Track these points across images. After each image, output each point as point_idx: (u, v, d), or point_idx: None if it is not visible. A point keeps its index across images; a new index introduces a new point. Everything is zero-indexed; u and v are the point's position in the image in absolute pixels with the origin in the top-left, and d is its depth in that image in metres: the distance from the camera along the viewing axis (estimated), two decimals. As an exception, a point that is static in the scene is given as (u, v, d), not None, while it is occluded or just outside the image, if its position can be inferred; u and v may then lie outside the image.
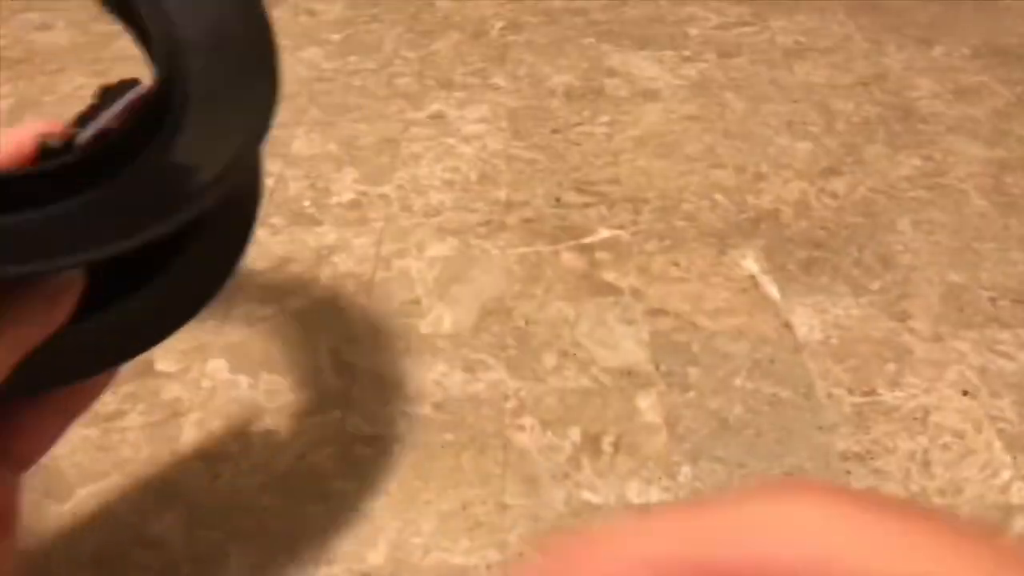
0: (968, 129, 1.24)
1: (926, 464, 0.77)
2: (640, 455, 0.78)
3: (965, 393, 0.84)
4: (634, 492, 0.75)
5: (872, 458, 0.78)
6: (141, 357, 0.88)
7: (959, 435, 0.80)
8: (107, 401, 0.84)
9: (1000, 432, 0.80)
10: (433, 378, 0.87)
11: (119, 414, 0.83)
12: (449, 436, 0.80)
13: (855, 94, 1.32)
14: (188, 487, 0.76)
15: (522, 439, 0.79)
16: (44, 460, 0.46)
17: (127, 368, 0.78)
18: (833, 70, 1.38)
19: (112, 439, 0.81)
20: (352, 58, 1.44)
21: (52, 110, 1.29)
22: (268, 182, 1.14)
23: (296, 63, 1.42)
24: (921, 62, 1.40)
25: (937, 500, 0.74)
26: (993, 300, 0.95)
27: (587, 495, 0.75)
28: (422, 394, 0.86)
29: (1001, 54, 1.42)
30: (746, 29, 1.50)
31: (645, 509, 0.73)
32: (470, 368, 0.88)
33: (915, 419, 0.81)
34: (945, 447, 0.79)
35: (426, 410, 0.84)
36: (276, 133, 1.24)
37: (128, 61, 1.41)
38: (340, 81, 1.37)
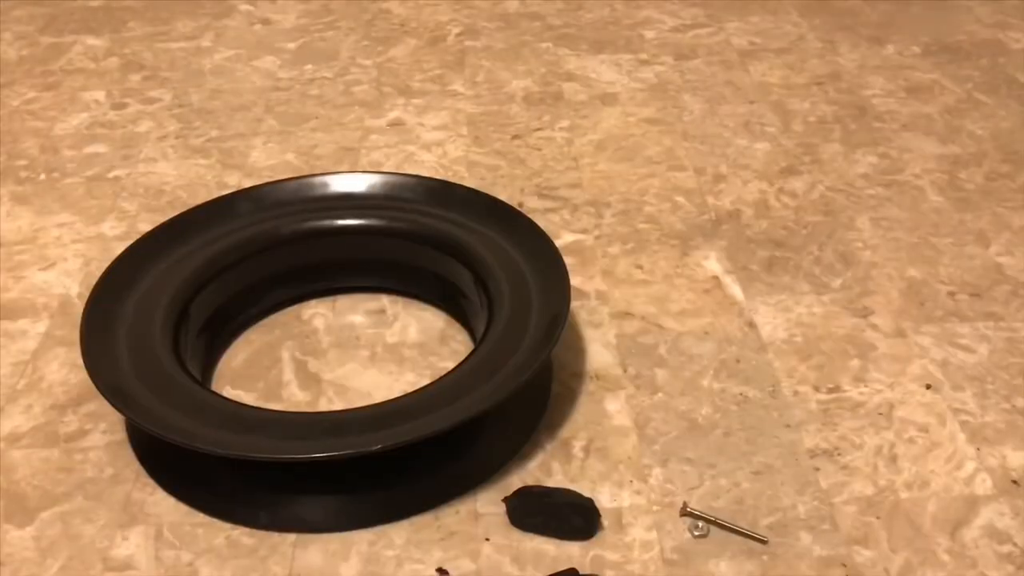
0: (922, 126, 1.26)
1: (893, 459, 0.78)
2: (611, 458, 0.78)
3: (928, 387, 0.85)
4: (606, 496, 0.75)
5: (840, 454, 0.78)
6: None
7: (923, 429, 0.81)
8: (68, 421, 0.82)
9: (963, 424, 0.81)
10: (401, 388, 0.86)
11: (80, 434, 0.81)
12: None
13: (810, 93, 1.34)
14: (155, 506, 0.75)
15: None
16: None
17: (88, 387, 0.76)
18: (788, 70, 1.40)
19: (74, 459, 0.79)
20: (308, 67, 1.42)
21: (4, 126, 1.27)
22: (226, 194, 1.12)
23: (252, 72, 1.41)
24: (874, 60, 1.42)
25: (904, 494, 0.75)
26: (952, 294, 0.96)
27: (559, 501, 0.75)
28: (390, 404, 0.85)
29: (951, 51, 1.44)
30: (701, 31, 1.51)
31: (617, 513, 0.73)
32: (438, 376, 0.87)
33: (880, 414, 0.82)
34: (911, 441, 0.80)
35: (394, 420, 0.84)
36: (233, 144, 1.23)
37: (78, 74, 1.39)
38: (297, 90, 1.36)
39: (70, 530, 0.73)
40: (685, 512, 0.73)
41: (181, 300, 0.85)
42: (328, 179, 0.98)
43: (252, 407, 0.81)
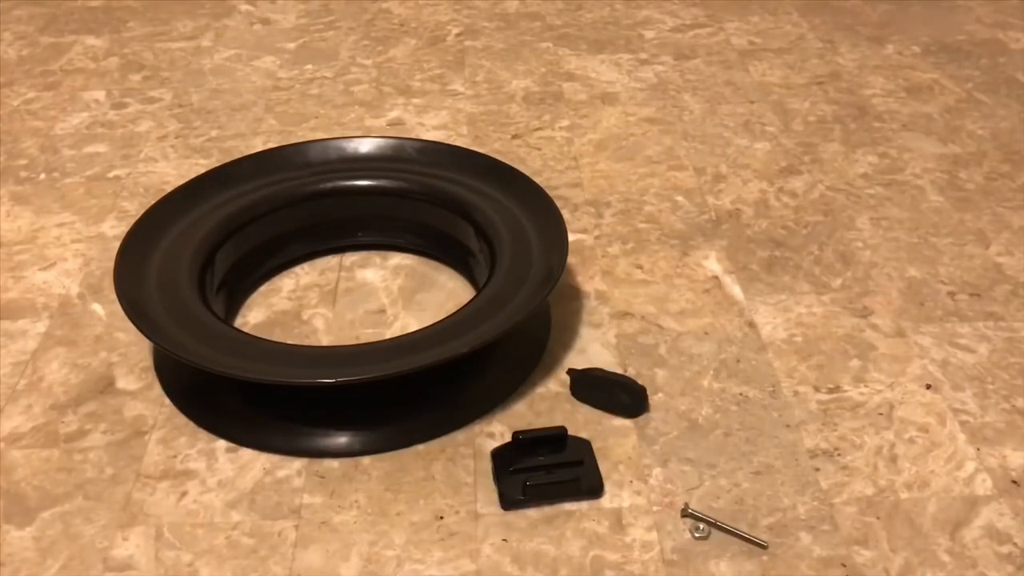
0: (922, 126, 1.26)
1: (893, 459, 0.78)
2: (611, 459, 0.78)
3: (928, 387, 0.85)
4: (607, 496, 0.75)
5: (840, 454, 0.78)
6: (101, 374, 0.87)
7: (923, 429, 0.81)
8: (68, 421, 0.82)
9: (963, 424, 0.81)
10: (401, 388, 0.86)
11: (81, 434, 0.81)
12: (419, 446, 0.80)
13: (810, 93, 1.34)
14: (155, 506, 0.75)
15: (493, 446, 0.79)
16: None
17: (88, 387, 0.77)
18: (788, 70, 1.40)
19: (74, 460, 0.79)
20: (308, 66, 1.42)
21: (3, 126, 1.27)
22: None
23: (252, 73, 1.41)
24: (874, 60, 1.42)
25: (904, 494, 0.75)
26: (952, 294, 0.96)
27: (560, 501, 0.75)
28: (390, 404, 0.85)
29: (950, 51, 1.44)
30: (701, 31, 1.51)
31: (617, 513, 0.73)
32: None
33: (880, 414, 0.82)
34: (911, 441, 0.80)
35: (395, 420, 0.84)
36: (233, 144, 1.23)
37: (78, 74, 1.39)
38: (297, 90, 1.36)
39: (70, 530, 0.73)
40: (686, 514, 0.73)
41: (204, 254, 0.92)
42: (354, 142, 1.06)
43: (274, 341, 0.88)
